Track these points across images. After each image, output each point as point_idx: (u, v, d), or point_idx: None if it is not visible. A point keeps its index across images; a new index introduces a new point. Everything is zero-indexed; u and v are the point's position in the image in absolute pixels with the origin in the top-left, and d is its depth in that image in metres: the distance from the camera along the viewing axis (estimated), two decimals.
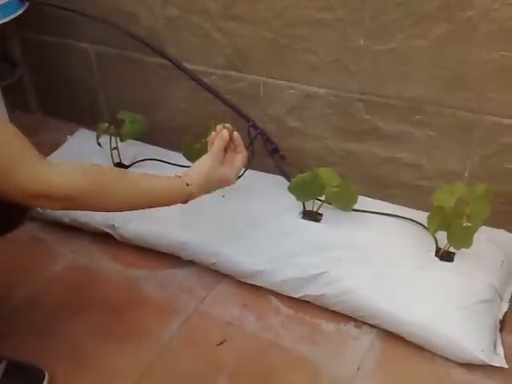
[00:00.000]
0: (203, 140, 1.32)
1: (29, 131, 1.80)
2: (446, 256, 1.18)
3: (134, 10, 1.41)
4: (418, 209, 1.29)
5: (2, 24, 1.39)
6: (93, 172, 0.85)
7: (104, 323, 1.18)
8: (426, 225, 1.18)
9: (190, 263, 1.30)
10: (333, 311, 1.16)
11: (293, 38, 1.25)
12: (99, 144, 1.41)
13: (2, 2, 1.38)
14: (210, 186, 1.00)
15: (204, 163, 1.00)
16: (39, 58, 1.69)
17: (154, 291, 1.25)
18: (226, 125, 1.06)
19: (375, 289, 1.13)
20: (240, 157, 1.06)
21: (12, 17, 1.41)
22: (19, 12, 1.43)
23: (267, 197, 1.37)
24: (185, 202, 0.97)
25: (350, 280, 1.14)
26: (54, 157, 1.51)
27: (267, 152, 1.41)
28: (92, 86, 1.63)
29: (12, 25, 1.53)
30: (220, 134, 1.04)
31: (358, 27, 1.16)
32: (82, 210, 0.86)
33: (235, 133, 1.06)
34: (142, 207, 0.92)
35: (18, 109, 1.75)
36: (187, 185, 0.95)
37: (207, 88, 1.38)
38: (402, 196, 1.32)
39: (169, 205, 0.95)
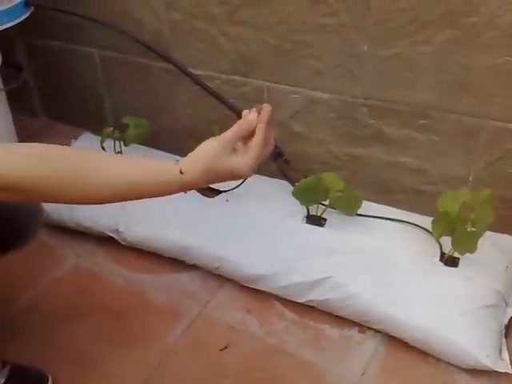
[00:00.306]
0: None
1: (34, 135, 1.81)
2: (450, 261, 1.18)
3: (138, 15, 1.42)
4: (422, 214, 1.29)
5: (7, 28, 1.40)
6: (44, 158, 0.72)
7: (108, 327, 1.18)
8: (430, 230, 1.18)
9: (194, 267, 1.30)
10: (337, 316, 1.16)
11: (297, 43, 1.25)
12: (103, 148, 1.41)
13: (7, 7, 1.38)
14: (215, 176, 0.80)
15: (209, 149, 0.79)
16: (44, 62, 1.70)
17: (158, 295, 1.25)
18: (264, 105, 0.81)
19: (379, 293, 1.13)
20: (255, 141, 0.79)
21: (17, 21, 1.41)
22: (24, 16, 1.44)
23: (271, 201, 1.37)
24: (181, 191, 0.79)
25: (354, 285, 1.14)
26: None
27: (271, 156, 1.40)
28: (97, 91, 1.64)
29: (17, 29, 1.53)
30: (245, 119, 0.81)
31: (362, 33, 1.16)
32: (43, 201, 0.77)
33: (266, 107, 0.80)
34: (123, 199, 0.78)
35: (22, 113, 1.75)
36: (181, 173, 0.77)
37: (211, 93, 1.39)
38: (406, 201, 1.32)
39: (159, 195, 0.79)
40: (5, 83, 1.45)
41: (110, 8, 1.45)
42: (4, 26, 1.39)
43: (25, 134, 1.60)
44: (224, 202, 1.37)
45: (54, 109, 1.81)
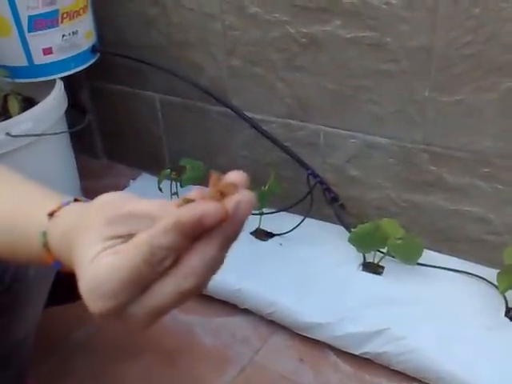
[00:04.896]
0: (262, 187, 1.33)
1: (95, 176, 1.86)
2: None
3: (199, 61, 1.46)
4: (485, 265, 1.23)
5: (74, 73, 1.46)
6: None
7: (157, 369, 1.16)
8: (495, 283, 1.13)
9: (245, 312, 1.28)
10: (395, 370, 1.11)
11: (355, 88, 1.24)
12: (160, 189, 1.44)
13: (75, 53, 1.45)
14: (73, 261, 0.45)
15: (97, 226, 0.44)
16: (107, 105, 1.77)
17: (208, 339, 1.23)
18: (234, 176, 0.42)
19: (439, 349, 1.07)
20: (139, 237, 0.41)
21: (84, 67, 1.48)
22: (91, 62, 1.50)
23: (325, 246, 1.34)
24: (41, 261, 0.51)
25: (412, 338, 1.09)
26: None
27: (326, 201, 1.39)
28: (156, 134, 1.68)
29: (83, 74, 1.60)
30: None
31: (424, 79, 1.14)
32: None
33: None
34: None
35: (84, 154, 1.81)
36: (50, 216, 0.49)
37: (267, 136, 1.39)
38: (468, 251, 1.27)
39: (14, 257, 0.54)
40: (69, 125, 1.51)
41: (172, 54, 1.49)
42: (72, 71, 1.45)
43: (86, 174, 1.65)
44: (278, 246, 1.36)
45: (114, 150, 1.87)
